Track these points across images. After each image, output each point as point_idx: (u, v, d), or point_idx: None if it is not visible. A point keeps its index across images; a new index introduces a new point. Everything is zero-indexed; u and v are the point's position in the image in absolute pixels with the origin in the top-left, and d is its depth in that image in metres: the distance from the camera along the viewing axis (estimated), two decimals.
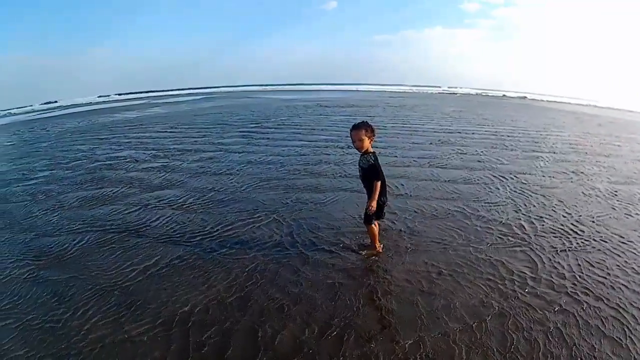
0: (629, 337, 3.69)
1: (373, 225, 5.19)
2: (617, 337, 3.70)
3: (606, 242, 5.70)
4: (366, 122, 4.89)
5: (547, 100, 40.06)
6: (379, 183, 4.74)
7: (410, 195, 7.53)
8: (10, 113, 37.46)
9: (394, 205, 6.90)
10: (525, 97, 43.09)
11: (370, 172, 4.79)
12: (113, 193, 8.34)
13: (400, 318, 3.99)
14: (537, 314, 4.00)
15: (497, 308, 4.08)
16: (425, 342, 3.60)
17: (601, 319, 3.95)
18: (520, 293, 4.36)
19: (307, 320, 3.97)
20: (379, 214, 5.10)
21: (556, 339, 3.63)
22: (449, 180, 8.53)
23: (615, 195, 7.82)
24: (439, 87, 52.83)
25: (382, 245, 5.39)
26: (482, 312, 4.03)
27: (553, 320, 3.91)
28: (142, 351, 3.63)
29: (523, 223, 6.28)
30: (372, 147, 4.90)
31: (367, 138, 4.78)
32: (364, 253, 5.30)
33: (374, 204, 4.76)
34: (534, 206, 7.05)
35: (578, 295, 4.35)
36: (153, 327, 3.97)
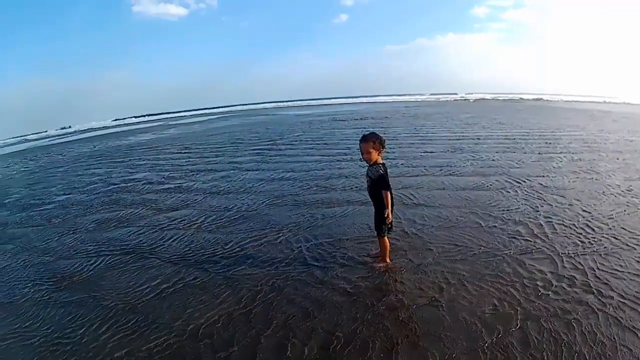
0: None
1: (386, 238, 5.19)
2: (633, 327, 3.74)
3: (622, 237, 5.72)
4: (374, 133, 4.92)
5: (562, 100, 39.80)
6: (388, 192, 4.77)
7: (426, 205, 7.52)
8: (26, 139, 38.34)
9: (409, 214, 6.95)
10: (541, 99, 42.82)
11: (379, 183, 4.82)
12: (128, 215, 8.51)
13: (424, 329, 3.97)
14: (561, 314, 3.98)
15: (521, 312, 4.04)
16: (453, 351, 3.58)
17: (620, 311, 3.99)
18: (543, 294, 4.32)
19: (332, 332, 3.99)
20: (390, 226, 5.14)
21: (580, 337, 3.61)
22: (463, 188, 8.51)
23: (630, 191, 7.80)
24: (456, 94, 52.71)
25: (392, 259, 5.37)
26: (508, 318, 3.98)
27: (577, 317, 3.91)
28: None
29: (540, 225, 6.26)
30: (382, 158, 4.95)
31: (374, 150, 4.81)
32: (379, 266, 5.26)
33: (390, 213, 4.80)
34: (550, 207, 7.04)
35: (599, 290, 4.36)
36: (177, 341, 4.03)
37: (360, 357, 3.60)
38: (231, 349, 3.85)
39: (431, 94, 56.50)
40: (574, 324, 3.81)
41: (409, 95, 58.16)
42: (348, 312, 4.31)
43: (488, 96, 50.14)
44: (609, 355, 3.40)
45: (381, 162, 4.90)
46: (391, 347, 3.70)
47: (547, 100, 41.51)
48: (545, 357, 3.41)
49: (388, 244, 5.26)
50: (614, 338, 3.59)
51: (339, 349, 3.72)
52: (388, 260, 5.30)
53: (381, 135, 4.95)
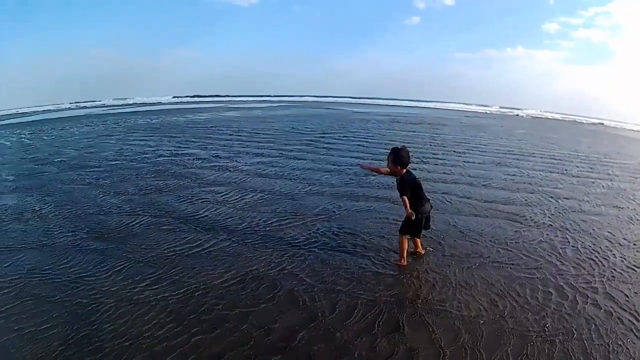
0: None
1: (405, 238, 5.38)
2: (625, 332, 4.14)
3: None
4: (397, 150, 5.14)
5: (624, 128, 37.66)
6: (405, 198, 5.00)
7: (458, 211, 7.64)
8: (84, 106, 40.03)
9: (442, 217, 7.08)
10: (602, 124, 40.68)
11: (399, 189, 5.16)
12: (170, 185, 9.15)
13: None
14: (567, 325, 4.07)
15: (539, 331, 4.11)
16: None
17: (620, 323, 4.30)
18: (557, 315, 4.37)
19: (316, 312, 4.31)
20: (415, 230, 5.36)
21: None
22: (497, 201, 8.47)
23: None
24: (520, 109, 51.18)
25: (409, 259, 5.51)
26: (527, 334, 4.08)
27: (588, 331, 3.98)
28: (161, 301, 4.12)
29: (563, 246, 6.26)
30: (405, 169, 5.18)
31: (392, 164, 5.15)
32: (392, 260, 5.51)
33: (409, 211, 4.97)
34: (576, 231, 6.94)
35: (613, 309, 4.49)
36: (184, 297, 4.49)
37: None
38: (219, 305, 4.33)
39: (500, 107, 54.83)
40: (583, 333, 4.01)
41: (476, 105, 56.71)
42: (331, 299, 4.61)
43: (549, 115, 48.34)
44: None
45: (404, 172, 5.16)
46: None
47: (608, 126, 39.46)
48: None
49: (405, 246, 5.43)
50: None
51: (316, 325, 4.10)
52: (403, 262, 5.44)
53: (403, 151, 5.14)
